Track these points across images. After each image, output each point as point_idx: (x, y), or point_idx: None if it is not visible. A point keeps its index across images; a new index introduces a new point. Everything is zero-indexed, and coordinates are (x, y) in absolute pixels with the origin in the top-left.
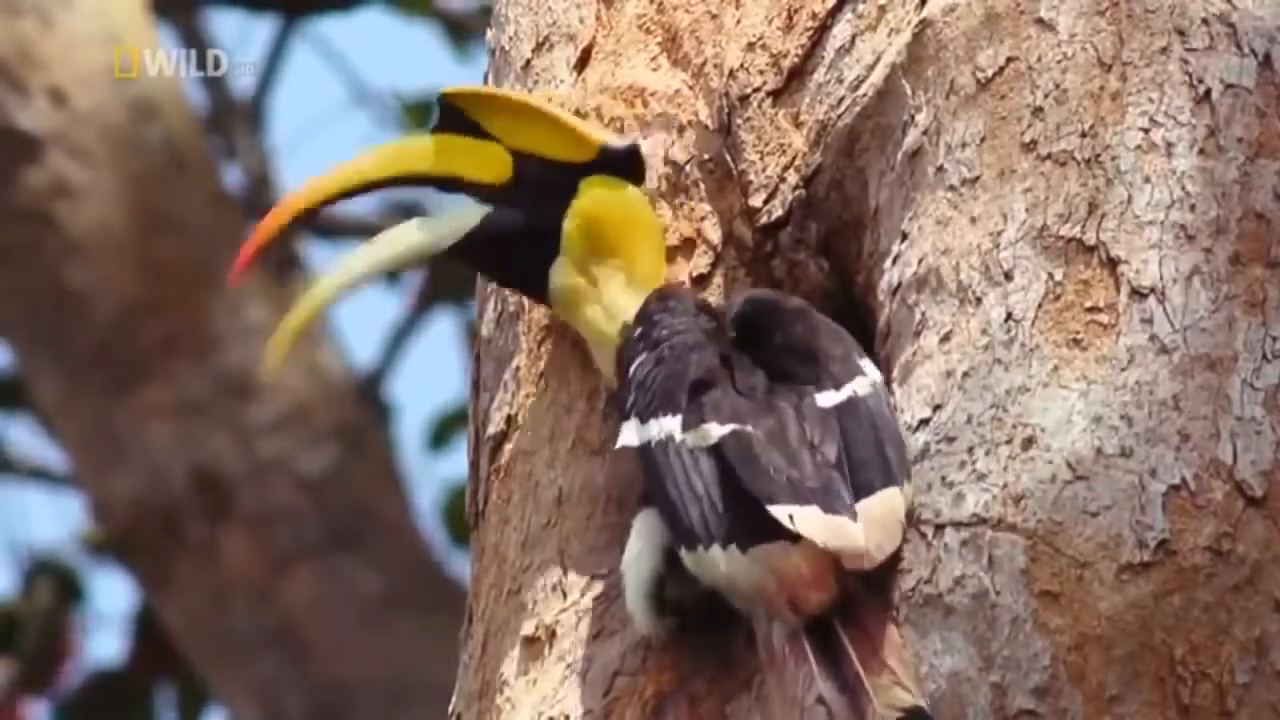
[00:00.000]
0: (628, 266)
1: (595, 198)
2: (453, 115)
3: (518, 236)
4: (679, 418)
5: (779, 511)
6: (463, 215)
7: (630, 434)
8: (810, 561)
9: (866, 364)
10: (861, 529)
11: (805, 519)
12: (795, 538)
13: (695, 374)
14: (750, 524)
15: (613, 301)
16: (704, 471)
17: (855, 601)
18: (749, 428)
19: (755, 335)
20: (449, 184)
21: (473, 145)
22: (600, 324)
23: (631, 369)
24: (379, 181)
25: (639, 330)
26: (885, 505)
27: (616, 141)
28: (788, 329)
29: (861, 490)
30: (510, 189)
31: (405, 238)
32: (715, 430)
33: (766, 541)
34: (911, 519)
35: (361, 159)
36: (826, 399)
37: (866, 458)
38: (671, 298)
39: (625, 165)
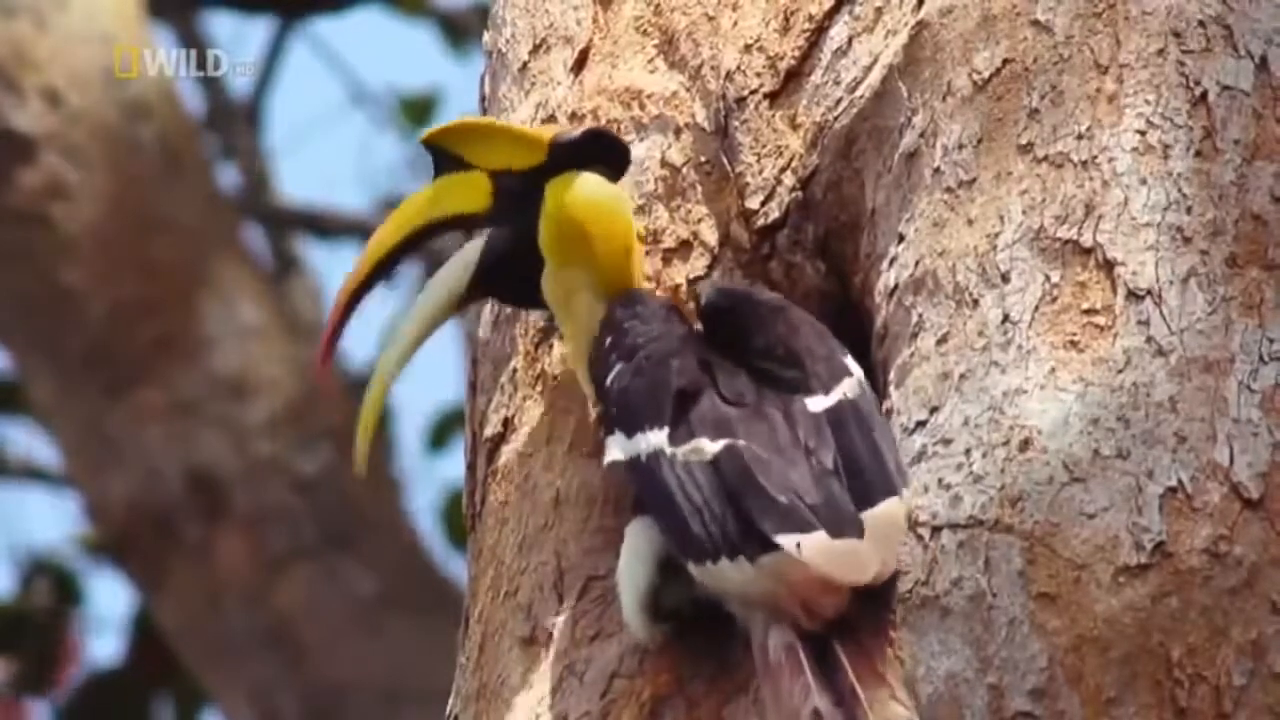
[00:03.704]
0: (591, 275)
1: (556, 201)
2: (440, 155)
3: (510, 254)
4: (665, 431)
5: (786, 541)
6: (467, 251)
7: (616, 449)
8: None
9: (850, 362)
10: (869, 548)
11: (812, 547)
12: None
13: (678, 383)
14: (755, 535)
15: (581, 313)
16: (701, 484)
17: (851, 612)
18: (741, 441)
19: (732, 333)
20: (450, 225)
21: (459, 179)
22: (572, 335)
23: (609, 380)
24: (395, 250)
25: (609, 339)
26: (887, 518)
27: (568, 134)
28: (768, 329)
29: (861, 501)
30: (495, 210)
31: (431, 297)
32: (708, 446)
33: (773, 552)
34: (909, 522)
35: (373, 240)
36: (816, 403)
37: (864, 465)
38: (638, 302)
39: (589, 153)
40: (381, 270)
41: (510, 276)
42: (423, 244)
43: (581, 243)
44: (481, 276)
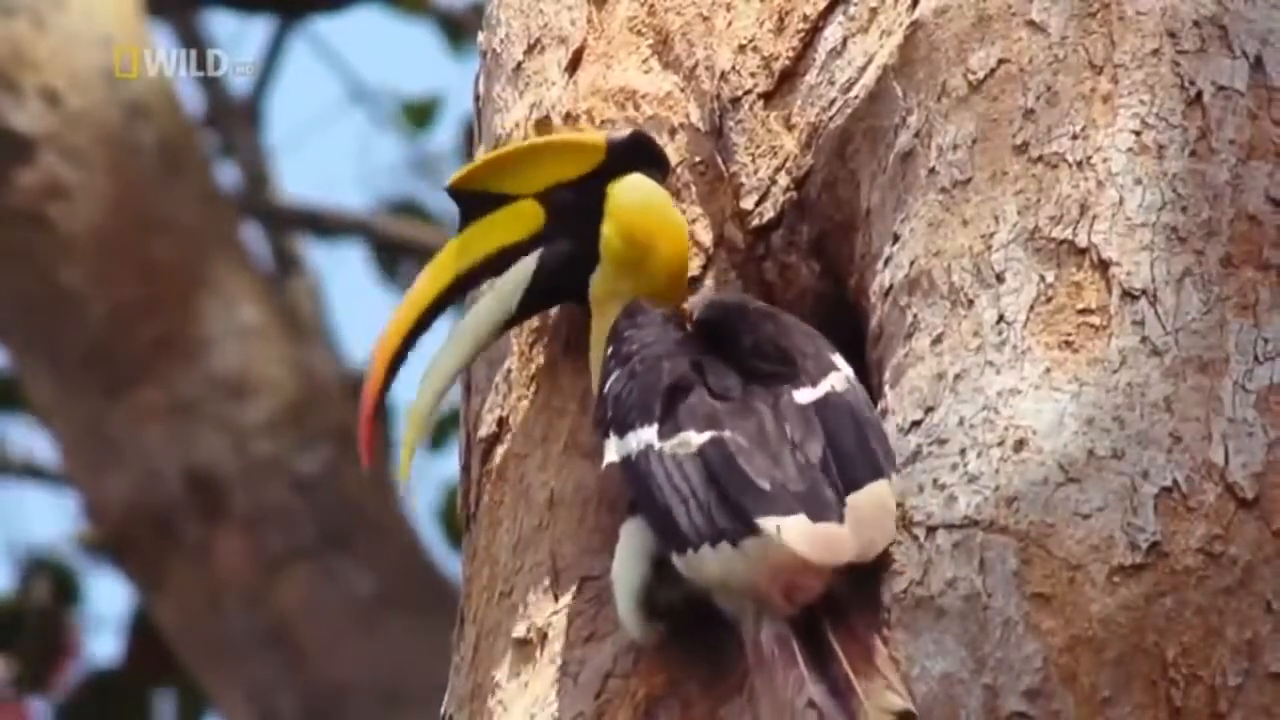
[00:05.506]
0: (643, 278)
1: (621, 201)
2: (469, 200)
3: (569, 264)
4: (655, 427)
5: (766, 524)
6: (519, 269)
7: (611, 451)
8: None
9: (839, 359)
10: (850, 533)
11: (792, 530)
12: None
13: (668, 381)
14: (737, 520)
15: (609, 322)
16: (688, 475)
17: (844, 603)
18: (727, 433)
19: (723, 338)
20: (499, 262)
21: (500, 216)
22: (597, 343)
23: (606, 386)
24: (436, 305)
25: (610, 348)
26: (874, 499)
27: (619, 135)
28: (757, 330)
29: (849, 485)
30: (549, 227)
31: (477, 319)
32: (694, 438)
33: (755, 535)
34: (902, 517)
35: (410, 294)
36: (804, 396)
37: (851, 452)
38: (639, 312)
39: (639, 154)
40: (419, 331)
41: (566, 286)
42: (461, 296)
43: (646, 241)
44: (536, 292)
